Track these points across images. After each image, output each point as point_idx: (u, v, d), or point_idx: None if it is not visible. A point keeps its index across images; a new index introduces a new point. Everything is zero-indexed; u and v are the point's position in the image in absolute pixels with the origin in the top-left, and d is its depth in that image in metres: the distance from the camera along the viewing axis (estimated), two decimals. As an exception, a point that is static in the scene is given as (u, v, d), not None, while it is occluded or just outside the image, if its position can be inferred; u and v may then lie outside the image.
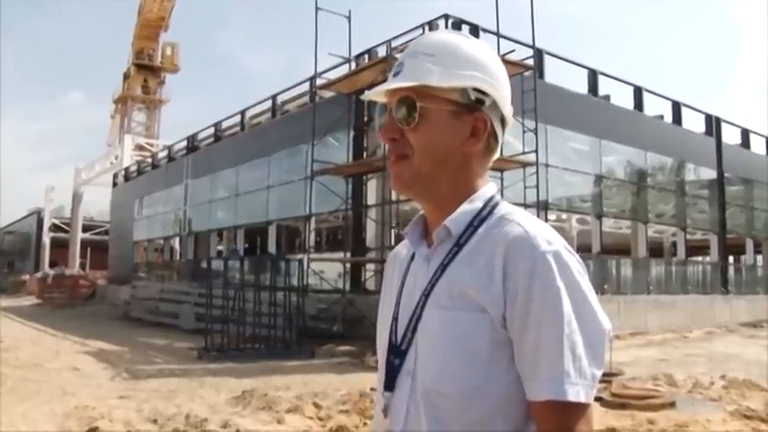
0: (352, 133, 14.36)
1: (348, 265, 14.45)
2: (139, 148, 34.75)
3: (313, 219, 15.80)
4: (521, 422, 0.93)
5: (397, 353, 1.02)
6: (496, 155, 1.09)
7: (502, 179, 11.95)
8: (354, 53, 14.72)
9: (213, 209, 21.65)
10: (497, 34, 12.80)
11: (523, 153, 12.42)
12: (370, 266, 13.85)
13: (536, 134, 12.37)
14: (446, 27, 12.67)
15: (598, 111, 16.57)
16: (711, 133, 20.47)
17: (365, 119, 13.85)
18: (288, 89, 18.61)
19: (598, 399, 6.09)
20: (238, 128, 21.13)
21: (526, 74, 12.52)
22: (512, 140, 12.58)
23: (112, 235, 32.01)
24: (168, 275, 23.57)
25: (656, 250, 22.12)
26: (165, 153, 27.30)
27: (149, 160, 28.93)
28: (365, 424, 5.61)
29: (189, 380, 8.27)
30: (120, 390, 7.56)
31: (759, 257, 23.65)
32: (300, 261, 12.67)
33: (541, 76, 14.23)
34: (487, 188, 1.06)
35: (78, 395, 7.06)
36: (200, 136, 23.89)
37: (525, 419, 0.93)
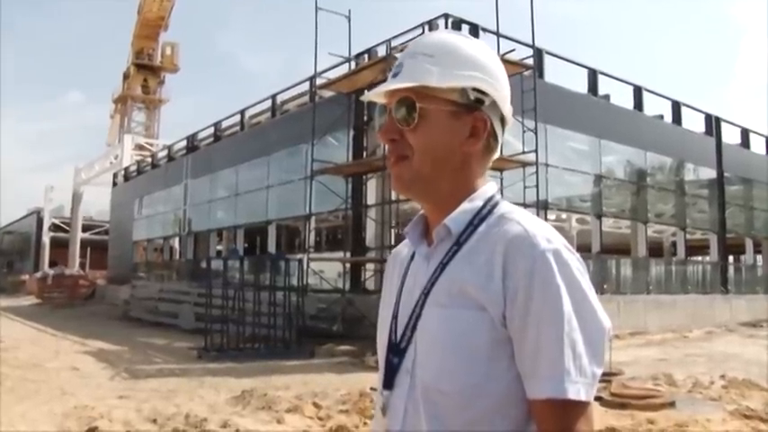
0: (351, 133, 14.36)
1: (348, 265, 14.45)
2: (139, 147, 34.72)
3: (313, 218, 15.80)
4: (521, 422, 0.93)
5: (397, 351, 1.02)
6: (496, 154, 1.09)
7: (501, 179, 11.95)
8: (354, 53, 14.73)
9: (213, 209, 21.65)
10: (497, 34, 12.81)
11: (523, 153, 12.42)
12: (370, 266, 13.85)
13: (536, 134, 12.37)
14: (446, 27, 12.67)
15: (598, 110, 16.58)
16: (711, 133, 20.48)
17: (365, 118, 13.85)
18: (287, 89, 18.63)
19: (598, 398, 6.09)
20: (238, 127, 21.13)
21: (526, 73, 12.53)
22: (511, 140, 12.58)
23: (112, 235, 32.00)
24: (168, 275, 23.56)
25: (655, 250, 22.12)
26: (164, 153, 27.30)
27: (149, 160, 28.92)
28: (365, 424, 5.61)
29: (188, 380, 8.27)
30: (119, 389, 7.55)
31: (759, 257, 23.66)
32: (300, 261, 12.67)
33: (541, 75, 14.22)
34: (487, 187, 1.06)
35: (78, 395, 7.06)
36: (200, 136, 23.89)
37: (525, 419, 0.93)
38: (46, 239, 39.27)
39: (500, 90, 1.05)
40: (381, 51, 14.03)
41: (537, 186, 12.30)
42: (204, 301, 11.40)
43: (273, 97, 19.18)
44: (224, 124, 22.18)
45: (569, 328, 0.89)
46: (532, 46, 12.97)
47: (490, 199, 1.04)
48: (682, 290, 17.72)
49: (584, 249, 16.09)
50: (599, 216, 16.60)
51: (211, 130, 22.63)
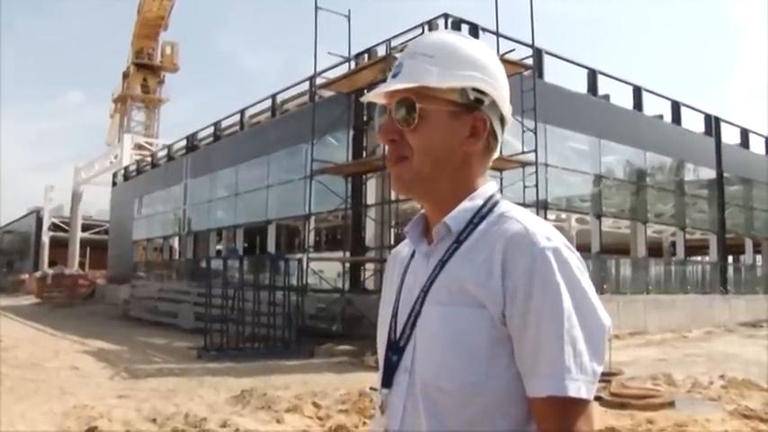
0: (351, 132, 14.36)
1: (347, 265, 14.45)
2: (139, 147, 34.69)
3: (312, 218, 15.80)
4: (521, 420, 0.93)
5: (396, 349, 1.03)
6: (496, 154, 1.09)
7: (501, 179, 11.96)
8: (354, 52, 14.73)
9: (212, 208, 21.64)
10: (497, 34, 12.81)
11: (523, 153, 12.42)
12: (370, 266, 13.85)
13: (535, 134, 12.37)
14: (446, 26, 12.67)
15: (597, 110, 16.58)
16: (711, 133, 20.47)
17: (365, 118, 13.85)
18: (287, 88, 18.63)
19: (597, 398, 6.10)
20: (238, 127, 21.12)
21: (525, 73, 12.53)
22: (511, 140, 12.58)
23: (112, 234, 31.98)
24: (167, 275, 23.54)
25: (655, 250, 22.13)
26: (164, 152, 27.28)
27: (149, 159, 28.90)
28: (364, 423, 5.61)
29: (188, 379, 8.27)
30: (119, 389, 7.55)
31: (758, 257, 23.66)
32: (300, 260, 12.68)
33: (541, 75, 14.22)
34: (488, 186, 1.06)
35: (77, 394, 7.06)
36: (200, 135, 23.87)
37: (525, 417, 0.93)
38: (45, 239, 39.24)
39: (499, 90, 1.05)
40: (381, 51, 14.02)
41: (537, 186, 12.30)
42: (204, 301, 11.40)
43: (273, 97, 19.18)
44: (224, 124, 22.17)
45: (569, 326, 0.89)
46: (532, 46, 12.97)
47: (490, 198, 1.04)
48: (681, 290, 17.72)
49: (583, 249, 16.06)
50: (598, 216, 16.60)
51: (211, 129, 22.62)
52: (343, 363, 9.65)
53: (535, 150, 12.35)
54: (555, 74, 15.53)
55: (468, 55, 1.03)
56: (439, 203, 1.04)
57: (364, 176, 13.98)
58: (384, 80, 1.07)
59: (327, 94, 15.12)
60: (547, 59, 15.12)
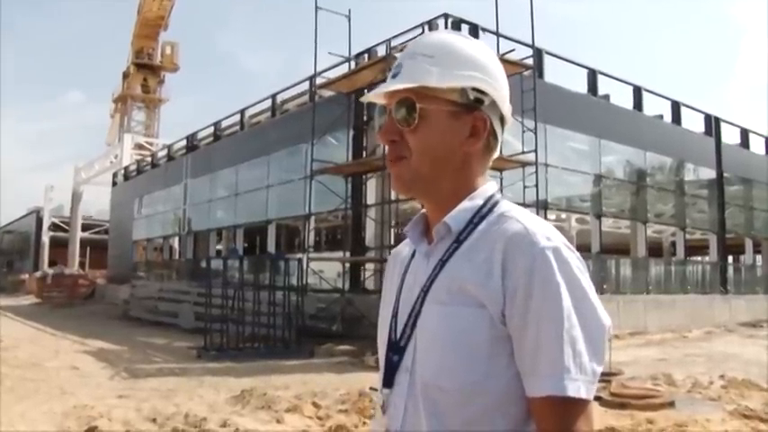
0: (351, 132, 14.36)
1: (347, 265, 14.45)
2: (139, 147, 34.68)
3: (312, 218, 15.79)
4: (520, 420, 0.93)
5: (396, 349, 1.03)
6: (496, 153, 1.09)
7: (501, 179, 11.95)
8: (354, 52, 14.73)
9: (212, 208, 21.64)
10: (497, 34, 12.81)
11: (523, 153, 12.42)
12: (370, 266, 13.84)
13: (535, 134, 12.37)
14: (446, 26, 12.67)
15: (597, 110, 16.58)
16: (711, 133, 20.47)
17: (365, 118, 13.85)
18: (287, 88, 18.62)
19: (597, 398, 6.10)
20: (238, 127, 21.12)
21: (526, 73, 12.53)
22: (511, 140, 12.58)
23: (112, 234, 31.98)
24: (167, 275, 23.54)
25: (655, 250, 22.12)
26: (164, 152, 27.28)
27: (149, 159, 28.90)
28: (364, 423, 5.61)
29: (188, 379, 8.27)
30: (119, 389, 7.55)
31: (758, 257, 23.66)
32: (300, 260, 12.68)
33: (541, 75, 14.22)
34: (488, 186, 1.06)
35: (77, 394, 7.06)
36: (200, 135, 23.87)
37: (525, 417, 0.93)
38: (45, 239, 39.23)
39: (499, 90, 1.05)
40: (381, 51, 14.02)
41: (537, 186, 12.30)
42: (204, 301, 11.40)
43: (273, 97, 19.17)
44: (224, 124, 22.17)
45: (569, 326, 0.89)
46: (532, 46, 12.96)
47: (490, 197, 1.05)
48: (681, 290, 17.72)
49: (583, 249, 16.06)
50: (598, 216, 16.60)
51: (211, 129, 22.62)
52: (343, 363, 9.65)
53: (535, 150, 12.35)
54: (555, 74, 15.56)
55: (467, 55, 1.03)
56: (439, 203, 1.05)
57: (364, 176, 13.97)
58: (384, 80, 1.07)
59: (327, 93, 15.12)
60: (547, 59, 15.12)
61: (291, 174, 16.68)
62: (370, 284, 13.42)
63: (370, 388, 6.72)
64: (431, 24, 13.00)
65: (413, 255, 1.10)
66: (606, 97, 17.24)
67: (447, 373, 0.94)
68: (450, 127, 1.02)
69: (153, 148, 33.26)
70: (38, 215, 40.80)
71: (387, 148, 1.06)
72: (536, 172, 12.36)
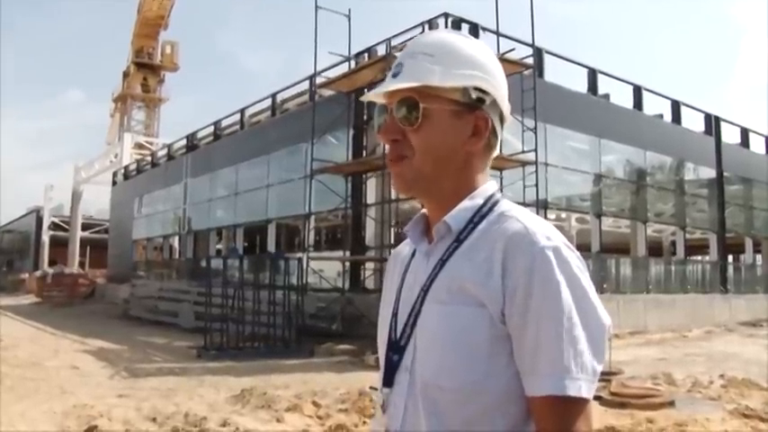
0: (351, 132, 14.36)
1: (347, 264, 14.45)
2: (139, 146, 34.66)
3: (312, 217, 15.79)
4: (520, 419, 0.93)
5: (396, 349, 1.03)
6: (496, 152, 1.09)
7: (501, 178, 11.94)
8: (354, 52, 14.72)
9: (212, 207, 21.64)
10: (497, 33, 12.81)
11: (523, 152, 12.42)
12: (370, 265, 13.85)
13: (535, 133, 12.36)
14: (446, 26, 12.66)
15: (598, 110, 16.57)
16: (711, 132, 20.47)
17: (365, 117, 13.83)
18: (287, 88, 18.61)
19: (597, 398, 6.10)
20: (238, 126, 21.11)
21: (526, 73, 12.52)
22: (511, 139, 12.58)
23: (112, 234, 31.98)
24: (167, 274, 23.54)
25: (655, 249, 22.11)
26: (164, 152, 27.27)
27: (149, 159, 28.89)
28: (364, 423, 5.61)
29: (188, 378, 8.27)
30: (119, 388, 7.55)
31: (758, 257, 23.66)
32: (300, 260, 12.68)
33: (541, 74, 14.21)
34: (488, 185, 1.06)
35: (77, 394, 7.06)
36: (200, 134, 23.86)
37: (524, 417, 0.93)
38: (45, 238, 39.22)
39: (499, 89, 1.06)
40: (381, 50, 14.01)
41: (537, 185, 12.30)
42: (204, 300, 11.41)
43: (273, 96, 19.17)
44: (224, 123, 22.16)
45: (569, 325, 0.90)
46: (532, 45, 12.96)
47: (491, 197, 1.05)
48: (681, 289, 17.72)
49: (583, 249, 16.05)
50: (598, 215, 16.60)
51: (211, 128, 22.62)
52: (343, 362, 9.65)
53: (535, 150, 12.34)
54: (555, 73, 15.55)
55: (468, 54, 1.04)
56: (440, 202, 1.05)
57: (364, 176, 13.97)
58: (384, 79, 1.07)
59: (327, 93, 15.12)
60: (547, 59, 15.11)
61: (291, 173, 16.68)
62: (370, 284, 13.42)
63: (370, 387, 6.72)
64: (431, 24, 13.00)
65: (413, 254, 1.10)
66: (606, 97, 17.23)
67: (447, 372, 0.94)
68: (453, 126, 1.02)
69: (153, 147, 33.25)
70: (38, 214, 40.79)
71: (387, 147, 1.05)
72: (536, 171, 12.35)
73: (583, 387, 0.89)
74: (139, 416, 5.99)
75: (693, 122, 20.11)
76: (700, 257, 23.80)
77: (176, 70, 54.46)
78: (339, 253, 15.70)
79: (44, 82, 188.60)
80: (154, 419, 5.84)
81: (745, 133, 22.44)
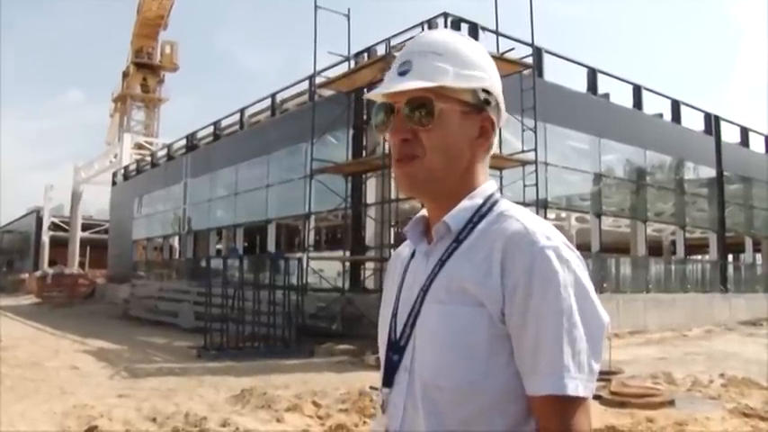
0: (351, 132, 14.35)
1: (347, 264, 14.44)
2: (139, 146, 34.64)
3: (312, 217, 15.79)
4: (519, 419, 0.93)
5: (396, 349, 1.03)
6: (492, 151, 1.10)
7: (501, 178, 11.94)
8: (353, 51, 14.71)
9: (212, 207, 21.63)
10: (496, 33, 12.79)
11: (523, 152, 12.41)
12: (370, 265, 13.84)
13: (535, 133, 12.35)
14: (445, 26, 12.65)
15: (597, 109, 16.57)
16: (711, 132, 20.46)
17: (364, 117, 13.83)
18: (287, 88, 18.60)
19: (597, 397, 6.10)
20: (237, 126, 21.11)
21: (525, 72, 12.52)
22: (511, 139, 12.58)
23: (112, 234, 31.98)
24: (167, 274, 23.54)
25: (655, 249, 22.11)
26: (164, 152, 27.26)
27: (148, 159, 28.87)
28: (365, 423, 5.62)
29: (188, 378, 8.27)
30: (119, 388, 7.55)
31: (758, 256, 23.65)
32: (300, 260, 12.68)
33: (540, 74, 14.21)
34: (487, 185, 1.07)
35: (77, 394, 7.06)
36: (200, 135, 23.84)
37: (523, 416, 0.93)
38: (45, 238, 39.22)
39: (500, 91, 1.07)
40: (381, 50, 14.00)
41: (536, 185, 12.29)
42: (204, 300, 11.40)
43: (273, 96, 19.16)
44: (223, 123, 22.15)
45: (569, 325, 0.90)
46: (532, 45, 12.94)
47: (490, 197, 1.05)
48: (681, 289, 17.72)
49: (583, 248, 16.05)
50: (598, 215, 16.60)
51: (211, 129, 22.61)
52: (343, 362, 9.65)
53: (535, 149, 12.34)
54: (555, 73, 15.54)
55: (474, 55, 1.05)
56: (442, 202, 1.05)
57: (364, 176, 13.96)
58: (383, 79, 1.07)
59: (327, 93, 15.11)
60: (546, 58, 15.10)
61: (291, 173, 16.67)
62: (370, 284, 13.41)
63: (370, 387, 6.73)
64: (430, 23, 12.99)
65: (413, 254, 1.11)
66: (606, 96, 17.23)
67: (445, 371, 0.95)
68: (462, 127, 1.03)
69: (152, 147, 33.23)
70: (38, 215, 40.79)
71: (394, 146, 1.04)
72: (536, 171, 12.35)
73: (581, 386, 0.90)
74: (139, 416, 5.99)
75: (693, 122, 20.13)
76: (699, 257, 23.80)
77: (176, 70, 54.44)
78: (339, 253, 15.70)
79: (44, 82, 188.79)
80: (154, 419, 5.84)
81: (744, 132, 22.44)
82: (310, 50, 14.01)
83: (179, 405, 6.41)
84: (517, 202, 1.07)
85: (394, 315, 1.06)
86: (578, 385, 0.89)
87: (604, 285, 15.07)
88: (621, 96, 17.85)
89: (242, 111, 20.71)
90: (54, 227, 39.59)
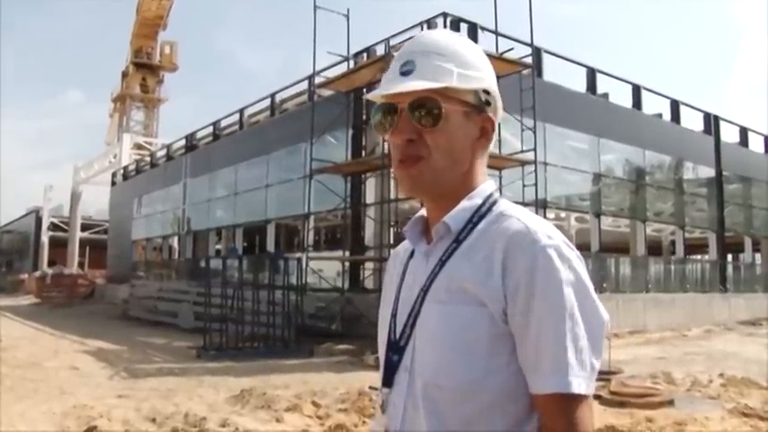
0: (350, 132, 14.35)
1: (347, 264, 14.44)
2: (138, 146, 34.62)
3: (312, 217, 15.78)
4: (519, 418, 0.94)
5: (396, 349, 1.03)
6: (489, 151, 1.11)
7: (501, 177, 11.94)
8: (353, 51, 14.71)
9: (212, 208, 21.63)
10: (496, 32, 12.79)
11: (522, 151, 12.42)
12: (369, 265, 13.84)
13: (534, 132, 12.36)
14: (444, 26, 12.66)
15: (597, 109, 16.57)
16: (710, 132, 20.47)
17: (364, 117, 13.83)
18: (286, 88, 18.61)
19: (597, 397, 6.10)
20: (237, 127, 21.11)
21: (524, 72, 12.52)
22: (510, 139, 12.58)
23: (111, 234, 31.96)
24: (167, 274, 23.53)
25: (654, 249, 22.12)
26: (163, 152, 27.25)
27: (148, 159, 28.86)
28: (364, 422, 5.62)
29: (187, 379, 8.26)
30: (118, 389, 7.55)
31: (758, 255, 23.66)
32: (299, 260, 12.69)
33: (540, 74, 14.21)
34: (486, 185, 1.07)
35: (77, 394, 7.05)
36: (199, 135, 23.83)
37: (524, 415, 0.94)
38: (45, 239, 39.20)
39: (497, 91, 1.08)
40: (380, 50, 14.01)
41: (536, 185, 12.28)
42: (203, 301, 11.40)
43: (272, 96, 19.17)
44: (223, 123, 22.16)
45: (572, 323, 0.91)
46: (531, 45, 12.94)
47: (489, 197, 1.05)
48: (681, 288, 17.72)
49: (583, 248, 16.04)
50: (598, 215, 16.60)
51: (210, 129, 22.61)
52: (343, 362, 9.65)
53: (534, 149, 12.34)
54: (554, 73, 15.53)
55: (473, 56, 1.05)
56: (442, 203, 1.05)
57: (363, 176, 13.96)
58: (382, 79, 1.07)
59: (326, 93, 15.11)
60: (546, 58, 15.11)
61: (291, 173, 16.67)
62: (369, 283, 13.41)
63: (370, 387, 6.72)
64: (429, 23, 12.99)
65: (411, 254, 1.11)
66: (605, 96, 17.23)
67: (446, 371, 0.95)
68: (464, 127, 1.03)
69: (152, 147, 33.21)
70: (37, 215, 40.77)
71: (397, 147, 1.04)
72: (535, 171, 12.34)
73: (584, 384, 0.90)
74: (139, 416, 5.99)
75: (692, 122, 20.14)
76: (699, 257, 23.80)
77: (175, 70, 54.40)
78: (338, 253, 15.70)
79: (44, 82, 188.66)
80: (153, 420, 5.83)
81: (744, 132, 22.44)
82: (309, 50, 14.03)
83: (178, 405, 6.40)
84: (516, 202, 1.08)
85: (393, 315, 1.07)
86: (582, 383, 0.90)
87: (604, 285, 15.07)
88: (621, 96, 17.87)
89: (241, 111, 20.71)
90: (53, 227, 39.58)
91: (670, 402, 6.36)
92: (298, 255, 14.50)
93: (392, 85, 1.02)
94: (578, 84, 16.63)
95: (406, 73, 1.02)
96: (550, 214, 16.51)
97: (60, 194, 40.02)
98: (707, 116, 20.61)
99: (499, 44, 12.62)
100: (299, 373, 8.56)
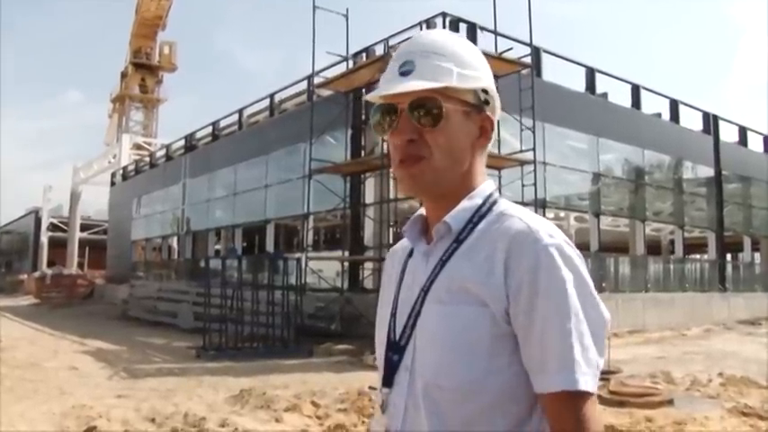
0: (350, 132, 14.34)
1: (346, 264, 14.44)
2: (137, 147, 34.59)
3: (311, 217, 15.77)
4: (520, 419, 0.94)
5: (396, 349, 1.03)
6: (487, 151, 1.11)
7: (500, 177, 11.93)
8: (352, 51, 14.70)
9: (211, 208, 21.62)
10: (495, 32, 12.79)
11: (521, 151, 12.41)
12: (369, 265, 13.84)
13: (534, 132, 12.35)
14: (443, 26, 12.65)
15: (596, 109, 16.57)
16: (709, 131, 20.48)
17: (363, 117, 13.82)
18: (285, 88, 18.60)
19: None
20: (236, 127, 21.10)
21: (524, 72, 12.52)
22: (510, 138, 12.58)
23: (110, 234, 31.94)
24: (166, 275, 23.52)
25: (653, 248, 22.14)
26: (162, 152, 27.24)
27: (147, 159, 28.86)
28: (363, 422, 5.62)
29: (187, 379, 8.26)
30: (118, 389, 7.55)
31: (757, 255, 23.66)
32: (298, 260, 12.68)
33: (539, 74, 14.22)
34: (486, 185, 1.07)
35: (76, 394, 7.05)
36: (198, 135, 23.83)
37: (525, 416, 0.94)
38: (44, 239, 39.17)
39: (495, 90, 1.08)
40: (379, 50, 14.00)
41: (535, 185, 12.28)
42: (203, 301, 11.39)
43: (271, 96, 19.16)
44: (222, 123, 22.15)
45: (576, 321, 0.91)
46: (530, 44, 12.94)
47: (489, 196, 1.05)
48: (680, 288, 17.73)
49: (582, 248, 15.90)
50: (597, 214, 16.61)
51: (209, 129, 22.60)
52: (342, 362, 9.65)
53: (533, 149, 12.33)
54: (553, 72, 15.54)
55: (472, 55, 1.05)
56: (442, 202, 1.05)
57: (363, 176, 13.96)
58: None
59: (326, 93, 15.10)
60: (545, 58, 15.11)
61: (290, 173, 16.67)
62: (368, 283, 13.41)
63: (369, 387, 6.72)
64: (428, 23, 12.99)
65: (410, 253, 1.10)
66: (604, 96, 17.23)
67: (447, 371, 0.95)
68: (464, 127, 1.03)
69: (151, 148, 33.20)
70: (36, 215, 40.74)
71: (397, 147, 1.03)
72: (534, 170, 12.34)
73: (590, 381, 0.91)
74: (138, 416, 5.99)
75: (692, 121, 20.14)
76: (698, 256, 23.81)
77: (174, 71, 54.32)
78: (338, 253, 15.69)
79: (43, 82, 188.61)
80: (153, 420, 5.83)
81: (743, 132, 22.45)
82: (309, 50, 14.05)
83: (178, 405, 6.40)
84: (516, 202, 1.08)
85: (393, 315, 1.06)
86: (589, 380, 0.90)
87: (603, 285, 15.06)
88: (620, 96, 17.88)
89: (240, 111, 20.71)
90: (53, 227, 39.55)
91: (669, 402, 6.36)
92: (297, 255, 14.51)
93: (392, 86, 1.02)
94: (577, 83, 16.66)
95: (405, 73, 1.02)
96: (550, 214, 16.50)
97: (60, 195, 40.02)
98: (706, 116, 20.61)
99: (498, 44, 12.62)
100: (299, 373, 8.56)
